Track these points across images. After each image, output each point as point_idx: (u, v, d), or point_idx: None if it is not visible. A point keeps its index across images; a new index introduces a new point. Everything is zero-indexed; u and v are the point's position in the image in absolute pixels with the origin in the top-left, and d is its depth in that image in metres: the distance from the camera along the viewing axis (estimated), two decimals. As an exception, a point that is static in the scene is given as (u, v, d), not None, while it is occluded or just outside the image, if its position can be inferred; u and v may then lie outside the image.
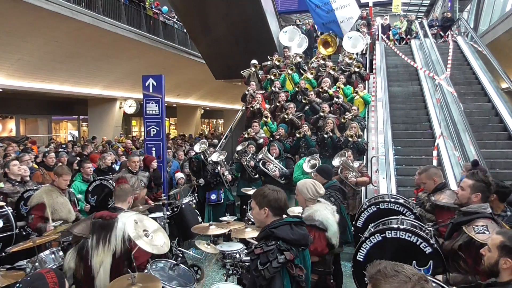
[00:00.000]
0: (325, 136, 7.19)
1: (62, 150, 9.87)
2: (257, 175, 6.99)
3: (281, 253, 2.25)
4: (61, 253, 3.92)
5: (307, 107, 8.60)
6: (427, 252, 3.04)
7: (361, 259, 3.34)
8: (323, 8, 12.06)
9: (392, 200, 4.35)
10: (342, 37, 11.50)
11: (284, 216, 2.51)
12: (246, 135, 7.91)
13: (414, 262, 3.04)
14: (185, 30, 16.82)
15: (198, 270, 5.23)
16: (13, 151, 8.47)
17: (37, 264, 3.65)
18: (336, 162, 6.07)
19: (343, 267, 4.97)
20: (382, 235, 3.25)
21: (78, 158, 8.29)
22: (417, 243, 3.09)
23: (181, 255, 4.09)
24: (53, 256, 3.80)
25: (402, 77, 11.56)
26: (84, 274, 3.01)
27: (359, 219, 4.48)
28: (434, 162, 7.16)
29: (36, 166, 7.24)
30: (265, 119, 8.22)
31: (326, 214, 3.29)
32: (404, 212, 4.13)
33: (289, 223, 2.38)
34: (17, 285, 1.98)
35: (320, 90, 8.87)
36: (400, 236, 3.16)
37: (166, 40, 17.08)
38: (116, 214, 2.99)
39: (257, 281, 2.27)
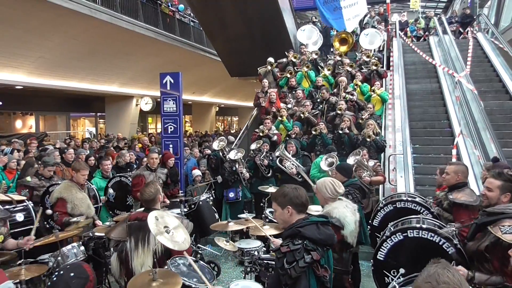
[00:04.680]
0: (340, 132, 7.13)
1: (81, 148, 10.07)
2: (269, 174, 6.98)
3: (307, 252, 2.24)
4: (82, 248, 4.01)
5: (320, 106, 8.61)
6: (449, 253, 2.99)
7: (382, 258, 3.31)
8: (331, 4, 12.01)
9: (409, 199, 4.30)
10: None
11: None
12: (260, 133, 7.90)
13: (436, 262, 3.00)
14: (201, 28, 16.88)
15: (214, 267, 5.28)
16: (34, 147, 8.64)
17: (59, 258, 3.73)
18: (350, 160, 6.02)
19: (361, 265, 4.94)
20: (403, 234, 3.22)
21: (96, 155, 8.44)
22: (440, 243, 3.04)
23: (200, 252, 4.12)
24: (75, 250, 3.89)
25: (420, 74, 11.37)
26: (127, 277, 3.06)
27: (376, 218, 4.45)
28: (458, 161, 7.04)
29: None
30: (280, 119, 8.20)
31: (344, 212, 3.27)
32: (421, 211, 4.08)
33: (315, 223, 2.37)
34: (57, 273, 2.08)
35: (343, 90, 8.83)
36: (422, 236, 3.12)
37: (182, 38, 17.18)
38: None
39: (283, 279, 2.26)
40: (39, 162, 5.87)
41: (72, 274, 2.06)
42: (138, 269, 2.94)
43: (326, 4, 11.98)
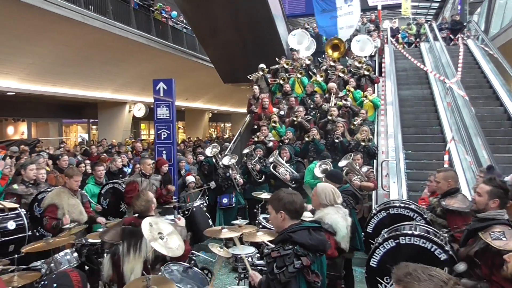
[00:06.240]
0: (336, 140, 7.17)
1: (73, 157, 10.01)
2: (262, 179, 6.99)
3: (297, 258, 2.24)
4: (75, 254, 3.98)
5: (313, 112, 8.68)
6: (442, 259, 3.01)
7: (374, 265, 3.32)
8: (328, 13, 12.12)
9: (402, 205, 4.32)
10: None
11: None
12: (255, 139, 7.92)
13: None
14: (193, 34, 16.93)
15: (208, 273, 5.25)
16: (25, 154, 8.58)
17: (52, 265, 3.70)
18: (342, 164, 6.09)
19: (354, 272, 4.95)
20: (396, 241, 3.23)
21: (87, 161, 8.37)
22: (432, 250, 3.06)
23: (194, 258, 4.11)
24: (68, 257, 3.86)
25: (412, 81, 11.48)
26: (117, 281, 3.06)
27: (369, 224, 4.46)
28: (446, 167, 7.10)
29: (48, 168, 7.32)
30: (274, 124, 8.24)
31: (336, 218, 3.30)
32: (414, 217, 4.09)
33: (307, 228, 2.37)
34: (42, 282, 2.04)
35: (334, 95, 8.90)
36: (415, 242, 3.14)
37: (175, 44, 17.20)
38: None
39: (272, 284, 2.26)
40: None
41: (55, 285, 2.02)
42: (128, 274, 2.94)
43: (324, 13, 12.08)
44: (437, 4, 24.19)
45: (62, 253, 3.86)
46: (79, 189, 4.98)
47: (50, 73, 13.75)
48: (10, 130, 17.98)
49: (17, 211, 4.68)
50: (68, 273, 2.10)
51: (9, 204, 4.64)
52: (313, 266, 2.33)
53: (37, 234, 5.04)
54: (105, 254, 3.91)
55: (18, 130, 18.14)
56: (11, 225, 4.49)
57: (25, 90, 13.79)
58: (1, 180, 6.47)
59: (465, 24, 14.97)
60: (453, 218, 3.53)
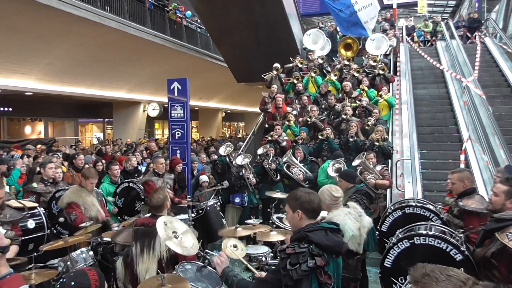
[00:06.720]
0: (350, 139, 7.13)
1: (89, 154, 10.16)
2: (278, 178, 6.99)
3: (312, 257, 2.23)
4: (91, 253, 4.02)
5: (325, 112, 8.64)
6: (457, 260, 2.97)
7: (389, 265, 3.29)
8: (345, 12, 11.92)
9: (418, 204, 4.26)
10: (368, 37, 11.49)
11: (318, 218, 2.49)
12: (269, 138, 7.93)
13: (444, 269, 2.97)
14: (207, 34, 17.02)
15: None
16: (43, 153, 8.73)
17: (68, 263, 3.75)
18: (355, 163, 6.05)
19: (368, 272, 4.91)
20: (410, 241, 3.20)
21: (103, 161, 8.48)
22: (447, 250, 3.02)
23: (208, 257, 4.12)
24: (84, 255, 3.90)
25: (428, 80, 11.34)
26: (131, 282, 3.08)
27: (384, 223, 4.41)
28: (462, 167, 6.99)
29: (64, 168, 7.43)
30: (288, 123, 8.23)
31: (345, 219, 3.26)
32: (430, 217, 4.03)
33: (324, 229, 2.36)
34: (61, 280, 2.09)
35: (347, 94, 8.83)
36: (429, 243, 3.10)
37: (189, 44, 17.31)
38: None
39: (283, 280, 2.24)
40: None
41: (72, 283, 2.05)
42: (143, 274, 2.95)
43: (342, 12, 11.90)
44: (454, 2, 23.84)
45: (78, 251, 3.91)
46: (95, 188, 5.04)
47: (67, 73, 13.98)
48: (27, 129, 18.36)
49: (36, 210, 4.76)
50: (86, 271, 2.14)
51: (28, 203, 4.71)
52: (328, 268, 2.31)
53: (55, 232, 5.13)
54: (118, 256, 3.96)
55: (35, 130, 18.51)
56: (31, 224, 4.56)
57: (42, 90, 14.06)
58: (19, 179, 6.61)
59: (482, 22, 14.71)
60: (470, 219, 3.47)
